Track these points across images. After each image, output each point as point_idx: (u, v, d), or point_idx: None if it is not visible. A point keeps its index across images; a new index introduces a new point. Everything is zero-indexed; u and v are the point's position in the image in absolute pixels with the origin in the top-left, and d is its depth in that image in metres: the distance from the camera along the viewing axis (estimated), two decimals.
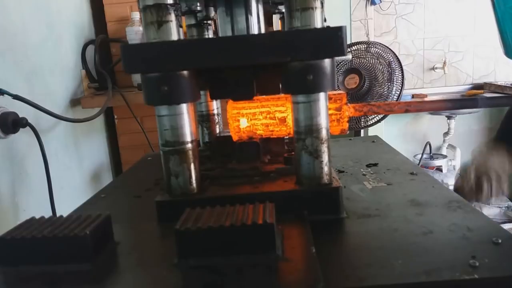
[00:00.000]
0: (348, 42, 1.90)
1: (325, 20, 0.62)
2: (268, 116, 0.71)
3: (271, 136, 0.74)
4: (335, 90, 0.60)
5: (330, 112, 0.68)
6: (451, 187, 0.93)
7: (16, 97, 1.09)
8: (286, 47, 0.57)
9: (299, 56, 0.57)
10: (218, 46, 0.58)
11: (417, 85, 2.81)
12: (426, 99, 2.61)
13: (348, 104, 0.70)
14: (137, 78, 1.77)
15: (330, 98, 0.68)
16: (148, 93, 0.61)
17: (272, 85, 0.70)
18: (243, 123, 0.73)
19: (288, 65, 0.59)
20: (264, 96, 0.74)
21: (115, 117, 1.73)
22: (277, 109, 0.71)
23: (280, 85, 0.65)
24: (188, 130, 0.62)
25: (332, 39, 0.56)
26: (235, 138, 0.76)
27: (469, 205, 0.63)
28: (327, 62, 0.58)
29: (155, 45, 0.59)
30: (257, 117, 0.71)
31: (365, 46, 1.82)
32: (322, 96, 0.60)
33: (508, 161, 0.89)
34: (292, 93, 0.61)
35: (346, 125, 0.69)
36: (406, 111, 0.73)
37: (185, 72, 0.59)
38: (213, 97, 0.74)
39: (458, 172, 2.17)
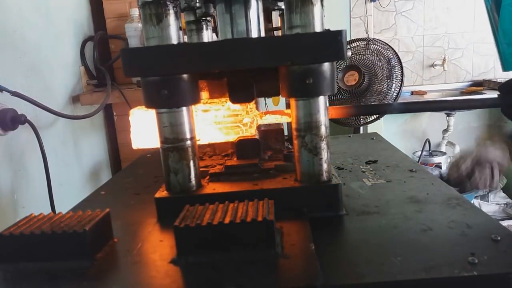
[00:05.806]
0: (348, 39, 1.89)
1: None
2: None
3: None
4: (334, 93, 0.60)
5: None
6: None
7: (15, 93, 1.09)
8: (286, 51, 0.57)
9: (299, 61, 0.57)
10: (217, 50, 0.58)
11: (417, 82, 2.81)
12: (425, 96, 2.61)
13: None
14: None
15: None
16: (148, 96, 0.61)
17: (272, 88, 0.71)
18: None
19: (287, 69, 0.59)
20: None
21: (114, 114, 1.73)
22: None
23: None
24: (187, 127, 0.62)
25: (332, 44, 0.56)
26: None
27: (468, 202, 0.63)
28: (326, 66, 0.58)
29: (154, 48, 0.59)
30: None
31: (365, 43, 1.81)
32: (321, 99, 0.60)
33: (508, 157, 0.90)
34: (291, 97, 0.61)
35: None
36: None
37: (185, 76, 0.59)
38: (213, 98, 0.75)
39: (453, 157, 2.19)
